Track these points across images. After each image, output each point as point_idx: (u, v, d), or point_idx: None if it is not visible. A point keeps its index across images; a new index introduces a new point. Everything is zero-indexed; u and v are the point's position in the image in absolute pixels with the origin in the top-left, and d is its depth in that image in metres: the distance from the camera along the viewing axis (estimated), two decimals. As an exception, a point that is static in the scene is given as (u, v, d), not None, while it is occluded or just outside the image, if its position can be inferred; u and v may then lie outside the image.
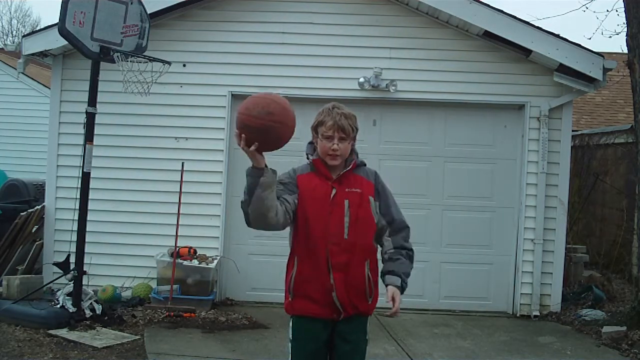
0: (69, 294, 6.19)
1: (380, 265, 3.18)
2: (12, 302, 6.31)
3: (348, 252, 3.04)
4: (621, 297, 7.97)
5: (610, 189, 10.13)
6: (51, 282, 6.83)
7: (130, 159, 7.38)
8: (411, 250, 3.20)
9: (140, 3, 6.48)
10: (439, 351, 5.90)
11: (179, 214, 6.94)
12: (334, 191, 3.07)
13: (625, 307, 7.24)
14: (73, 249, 6.24)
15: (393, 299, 3.02)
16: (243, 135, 2.81)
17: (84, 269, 6.24)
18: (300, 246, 3.09)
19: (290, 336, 3.15)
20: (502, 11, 7.14)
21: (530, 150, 7.33)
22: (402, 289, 3.09)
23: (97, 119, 6.33)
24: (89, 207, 6.29)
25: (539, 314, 7.23)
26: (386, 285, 3.08)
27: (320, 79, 7.34)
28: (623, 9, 6.73)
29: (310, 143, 3.23)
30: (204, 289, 6.92)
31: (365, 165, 3.24)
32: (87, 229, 6.29)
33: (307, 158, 3.21)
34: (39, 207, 7.46)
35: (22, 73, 8.59)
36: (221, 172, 7.34)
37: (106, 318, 6.17)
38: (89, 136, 6.23)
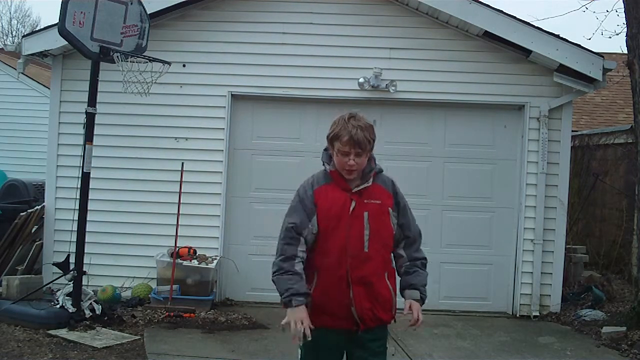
0: (68, 294, 6.19)
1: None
2: (11, 302, 6.30)
3: (368, 265, 2.96)
4: (621, 298, 7.96)
5: (610, 189, 10.13)
6: (51, 282, 6.83)
7: (130, 159, 7.37)
8: (425, 259, 3.17)
9: (140, 3, 6.48)
10: (438, 351, 5.90)
11: (178, 214, 6.94)
12: (353, 204, 2.97)
13: (625, 307, 7.24)
14: (73, 249, 6.24)
15: (412, 310, 3.00)
16: None
17: (84, 269, 6.24)
18: (319, 260, 2.99)
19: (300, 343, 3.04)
20: (502, 11, 7.14)
21: (530, 150, 7.33)
22: (422, 301, 3.08)
23: (97, 119, 6.33)
24: (88, 207, 6.29)
25: (538, 314, 7.23)
26: (405, 299, 3.05)
27: (320, 79, 7.34)
28: (623, 10, 6.73)
29: (326, 150, 3.10)
30: (204, 289, 6.92)
31: (382, 171, 3.14)
32: (87, 229, 6.29)
33: (323, 166, 3.09)
34: (38, 207, 7.45)
35: (22, 73, 8.59)
36: (221, 172, 7.33)
37: (106, 318, 6.17)
38: (88, 136, 6.23)
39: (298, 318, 2.84)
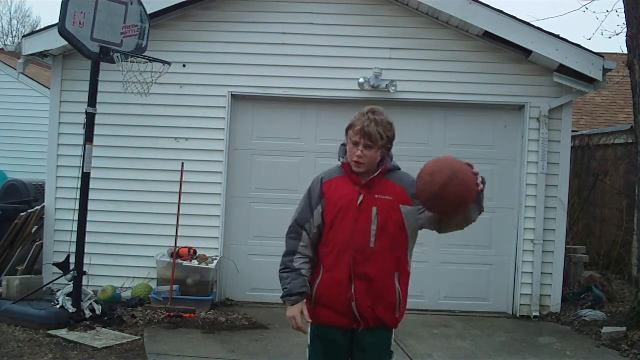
0: (68, 294, 6.19)
1: (412, 277, 3.10)
2: (11, 302, 6.31)
3: (374, 261, 2.92)
4: (621, 298, 7.96)
5: (610, 189, 10.13)
6: (51, 282, 6.83)
7: (130, 159, 7.37)
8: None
9: (140, 3, 6.49)
10: (438, 352, 5.90)
11: (178, 214, 6.94)
12: (360, 197, 2.95)
13: (624, 307, 7.25)
14: (73, 249, 6.24)
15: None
16: None
17: (84, 269, 6.25)
18: (325, 253, 2.99)
19: (309, 341, 3.09)
20: (502, 11, 7.14)
21: (530, 150, 7.33)
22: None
23: (97, 119, 6.34)
24: (88, 207, 6.29)
25: (538, 315, 7.23)
26: None
27: (320, 79, 7.34)
28: (623, 10, 6.73)
29: (343, 145, 3.10)
30: (204, 289, 6.92)
31: (399, 169, 3.11)
32: (87, 229, 6.29)
33: (339, 160, 3.10)
34: (38, 207, 7.45)
35: (22, 73, 8.59)
36: (221, 172, 7.33)
37: (106, 318, 6.17)
38: (88, 136, 6.24)
39: (290, 316, 2.98)
